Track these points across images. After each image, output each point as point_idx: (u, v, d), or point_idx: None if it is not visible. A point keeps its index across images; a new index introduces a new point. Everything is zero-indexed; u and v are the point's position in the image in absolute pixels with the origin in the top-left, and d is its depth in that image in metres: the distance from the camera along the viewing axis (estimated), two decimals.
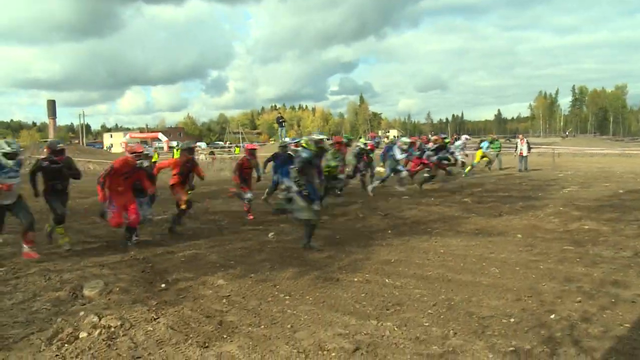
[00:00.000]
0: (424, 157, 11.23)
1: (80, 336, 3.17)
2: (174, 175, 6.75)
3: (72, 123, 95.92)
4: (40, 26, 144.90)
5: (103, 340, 3.10)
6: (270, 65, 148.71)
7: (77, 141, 56.11)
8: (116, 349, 3.00)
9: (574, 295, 3.70)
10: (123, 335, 3.18)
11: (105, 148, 54.16)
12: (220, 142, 66.22)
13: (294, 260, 5.09)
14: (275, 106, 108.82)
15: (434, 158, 11.04)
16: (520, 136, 17.71)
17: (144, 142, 47.81)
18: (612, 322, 3.17)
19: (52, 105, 52.50)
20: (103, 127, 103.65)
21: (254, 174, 8.14)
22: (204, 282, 4.38)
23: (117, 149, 52.19)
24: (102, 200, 5.58)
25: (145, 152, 5.93)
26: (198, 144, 46.75)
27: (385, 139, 23.12)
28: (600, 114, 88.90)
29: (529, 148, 16.52)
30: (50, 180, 5.63)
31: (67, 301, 3.92)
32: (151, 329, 3.29)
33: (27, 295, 4.07)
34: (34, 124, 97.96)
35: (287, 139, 15.03)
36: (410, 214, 7.74)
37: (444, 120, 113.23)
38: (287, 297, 3.93)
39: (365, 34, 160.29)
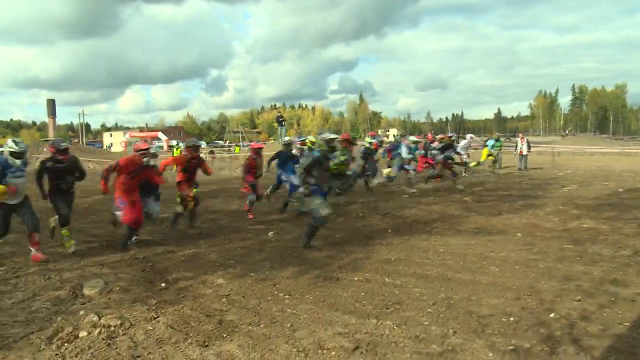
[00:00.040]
0: (429, 156, 11.15)
1: (80, 335, 3.18)
2: (179, 172, 6.79)
3: (71, 122, 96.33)
4: (40, 26, 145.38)
5: (103, 339, 3.11)
6: (269, 65, 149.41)
7: (76, 140, 56.07)
8: (116, 348, 3.00)
9: (573, 293, 3.70)
10: (123, 335, 3.19)
11: (105, 147, 54.21)
12: (220, 141, 66.20)
13: (293, 260, 5.09)
14: (275, 105, 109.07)
15: (440, 157, 10.87)
16: (521, 135, 17.72)
17: (144, 141, 47.70)
18: (612, 320, 3.17)
19: (51, 104, 52.56)
20: (103, 126, 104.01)
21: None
22: (203, 281, 4.38)
23: (117, 148, 52.24)
24: (105, 191, 5.57)
25: (152, 150, 5.90)
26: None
27: (385, 138, 23.08)
28: (600, 113, 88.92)
29: (529, 147, 16.52)
30: (54, 179, 5.60)
31: (67, 300, 3.92)
32: (151, 328, 3.29)
33: (27, 294, 4.08)
34: (34, 123, 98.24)
35: (293, 138, 14.94)
36: (410, 213, 7.74)
37: (444, 120, 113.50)
38: (287, 296, 3.93)
39: (365, 33, 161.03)
